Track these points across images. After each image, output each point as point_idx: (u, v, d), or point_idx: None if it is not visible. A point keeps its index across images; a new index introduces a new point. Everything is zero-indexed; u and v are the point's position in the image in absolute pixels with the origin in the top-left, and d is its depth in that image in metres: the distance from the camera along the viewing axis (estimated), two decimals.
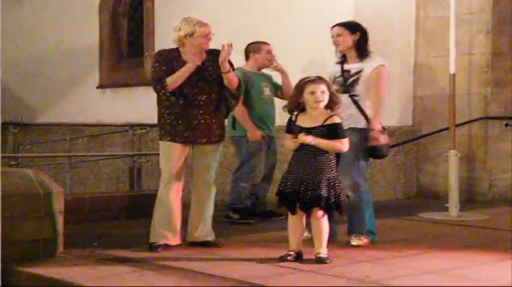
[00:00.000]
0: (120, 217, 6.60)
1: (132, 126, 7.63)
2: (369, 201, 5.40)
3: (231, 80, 5.22)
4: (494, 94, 8.25)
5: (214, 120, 5.24)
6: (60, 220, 4.92)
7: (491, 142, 8.26)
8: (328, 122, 4.70)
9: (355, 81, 5.33)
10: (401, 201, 8.33)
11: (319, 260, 4.66)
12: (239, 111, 6.33)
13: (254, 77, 6.65)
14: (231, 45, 5.13)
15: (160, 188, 5.26)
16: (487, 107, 8.23)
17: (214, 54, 5.25)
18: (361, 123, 5.31)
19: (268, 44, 6.76)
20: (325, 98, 4.67)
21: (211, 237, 5.33)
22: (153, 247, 5.16)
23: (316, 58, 7.98)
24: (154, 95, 10.39)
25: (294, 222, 4.78)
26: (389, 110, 7.26)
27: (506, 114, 8.34)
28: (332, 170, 4.71)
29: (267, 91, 6.70)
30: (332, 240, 5.14)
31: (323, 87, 4.68)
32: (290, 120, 4.82)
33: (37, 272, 4.48)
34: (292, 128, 4.78)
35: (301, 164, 4.70)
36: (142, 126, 7.58)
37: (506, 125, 8.30)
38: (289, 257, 4.70)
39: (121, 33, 11.31)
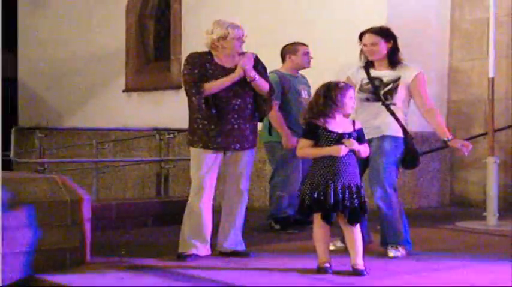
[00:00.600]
0: (148, 223, 6.43)
1: (159, 131, 7.44)
2: (402, 210, 5.16)
3: (260, 86, 5.06)
4: None
5: (248, 126, 5.05)
6: (87, 227, 4.75)
7: None
8: (358, 126, 4.57)
9: (394, 90, 5.11)
10: (436, 209, 8.08)
11: (357, 272, 4.44)
12: (274, 116, 6.12)
13: (291, 79, 6.40)
14: (252, 54, 5.05)
15: (191, 196, 5.07)
16: None
17: (247, 57, 5.09)
18: (396, 131, 5.10)
19: (305, 45, 6.49)
20: (351, 104, 4.57)
21: (241, 247, 5.14)
22: (182, 257, 4.98)
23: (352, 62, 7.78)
24: (181, 99, 10.24)
25: (325, 232, 4.57)
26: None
27: None
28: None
29: (304, 94, 6.41)
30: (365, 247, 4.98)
31: (352, 93, 4.60)
32: (315, 125, 4.54)
33: (59, 282, 4.32)
34: (316, 134, 4.53)
35: (339, 171, 4.50)
36: (169, 131, 7.39)
37: None
38: (328, 269, 4.49)
39: (148, 37, 11.19)
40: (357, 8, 8.08)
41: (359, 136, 4.57)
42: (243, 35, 5.04)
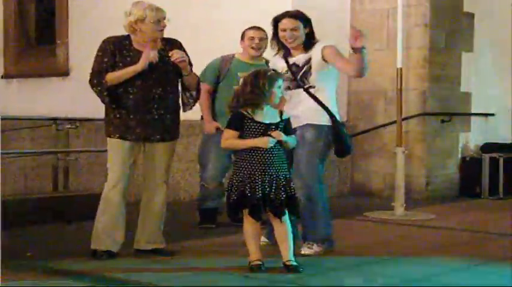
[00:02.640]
0: (47, 220, 5.90)
1: (56, 120, 6.89)
2: (326, 206, 4.91)
3: (192, 82, 4.77)
4: (431, 90, 8.09)
5: (169, 116, 4.70)
6: None
7: (429, 139, 8.10)
8: (285, 117, 4.35)
9: (307, 72, 4.81)
10: (338, 199, 8.02)
11: (293, 269, 4.22)
12: (201, 100, 5.63)
13: (236, 65, 5.90)
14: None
15: (107, 189, 4.68)
16: (424, 103, 8.06)
17: (171, 43, 4.75)
18: (321, 119, 4.77)
19: (253, 28, 5.96)
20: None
21: (162, 244, 4.80)
22: (97, 255, 4.61)
23: None
24: (68, 87, 9.74)
25: (256, 228, 4.32)
26: None
27: (443, 111, 8.21)
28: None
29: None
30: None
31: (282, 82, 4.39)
32: (241, 115, 4.29)
33: None
34: (241, 125, 4.28)
35: (266, 163, 4.25)
36: (71, 120, 6.86)
37: (443, 121, 8.18)
38: (261, 267, 4.24)
39: (28, 20, 10.46)
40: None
41: (286, 127, 4.34)
42: (163, 18, 4.67)
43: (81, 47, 9.52)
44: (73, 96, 9.29)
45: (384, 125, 8.04)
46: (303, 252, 4.72)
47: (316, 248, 4.76)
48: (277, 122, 4.30)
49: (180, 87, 4.82)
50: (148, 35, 4.64)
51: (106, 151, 4.78)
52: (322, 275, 4.25)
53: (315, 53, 4.80)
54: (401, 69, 6.85)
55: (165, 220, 4.83)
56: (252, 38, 5.89)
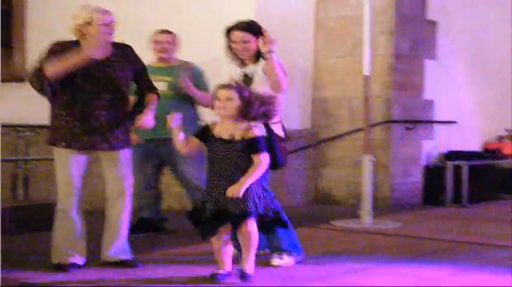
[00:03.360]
0: (6, 231, 5.67)
1: (16, 127, 6.66)
2: (283, 217, 4.71)
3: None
4: (395, 97, 8.09)
5: (117, 124, 4.54)
6: None
7: (393, 146, 8.09)
8: (247, 136, 4.16)
9: (250, 85, 4.67)
10: (303, 208, 7.95)
11: (242, 277, 4.13)
12: None
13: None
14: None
15: (60, 202, 4.56)
16: (389, 110, 8.05)
17: (121, 49, 4.63)
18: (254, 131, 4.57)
19: (162, 32, 5.84)
20: (230, 107, 4.13)
21: (127, 255, 4.65)
22: (62, 267, 4.46)
23: (215, 51, 7.47)
24: (26, 92, 9.34)
25: (218, 242, 4.21)
26: (288, 112, 6.82)
27: (407, 118, 8.21)
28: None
29: (160, 86, 5.46)
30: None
31: (229, 94, 4.15)
32: (207, 126, 4.28)
33: None
34: (204, 135, 4.23)
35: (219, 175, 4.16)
36: (30, 127, 6.64)
37: (407, 128, 8.18)
38: (217, 276, 4.16)
39: None
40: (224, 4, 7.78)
41: (249, 146, 4.14)
42: (111, 22, 4.52)
43: (39, 52, 9.29)
44: (30, 102, 9.06)
45: (348, 133, 8.00)
46: (273, 263, 4.63)
47: (287, 258, 4.67)
48: (235, 141, 4.14)
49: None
50: (96, 39, 4.49)
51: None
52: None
53: (259, 66, 4.73)
54: (368, 76, 6.81)
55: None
56: (159, 42, 5.82)
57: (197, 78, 5.94)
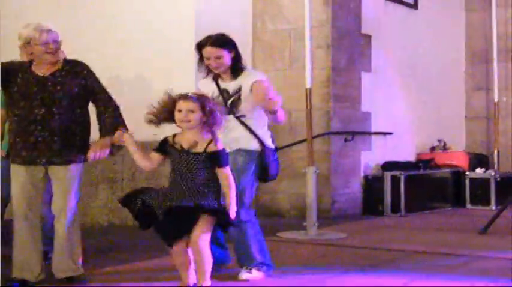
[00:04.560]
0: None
1: None
2: (257, 230, 4.85)
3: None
4: (334, 109, 8.20)
5: (56, 139, 4.47)
6: None
7: (333, 158, 8.19)
8: (210, 149, 4.13)
9: (237, 101, 4.76)
10: None
11: None
12: None
13: None
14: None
15: (14, 218, 4.55)
16: (328, 122, 8.15)
17: (71, 65, 4.61)
18: (252, 145, 4.74)
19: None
20: (193, 119, 4.09)
21: (75, 272, 4.57)
22: (12, 283, 4.45)
23: (158, 65, 7.44)
24: None
25: (178, 256, 4.15)
26: None
27: (346, 130, 8.34)
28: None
29: None
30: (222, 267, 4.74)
31: (191, 105, 4.10)
32: (166, 138, 4.23)
33: None
34: (164, 147, 4.19)
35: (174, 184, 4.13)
36: None
37: (346, 140, 8.30)
38: None
39: None
40: (164, 14, 7.72)
41: (211, 159, 4.09)
42: (53, 41, 4.49)
43: None
44: None
45: (289, 145, 8.05)
46: (242, 277, 4.63)
47: (255, 272, 4.67)
48: (197, 152, 4.10)
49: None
50: (38, 58, 4.51)
51: None
52: None
53: (245, 83, 4.75)
54: (310, 89, 6.88)
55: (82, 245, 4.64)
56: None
57: None
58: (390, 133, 8.95)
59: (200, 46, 4.81)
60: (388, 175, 8.38)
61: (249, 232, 4.74)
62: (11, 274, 4.50)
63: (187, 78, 6.95)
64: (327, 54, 8.16)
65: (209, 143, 4.11)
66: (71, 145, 4.54)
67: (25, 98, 4.47)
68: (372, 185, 8.47)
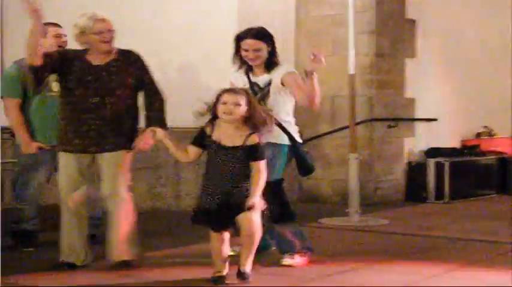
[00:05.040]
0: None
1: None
2: (292, 219, 4.84)
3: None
4: (377, 96, 8.16)
5: (107, 127, 4.54)
6: None
7: (376, 144, 8.16)
8: (249, 142, 4.13)
9: (266, 94, 4.77)
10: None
11: (242, 275, 4.16)
12: (12, 117, 5.25)
13: None
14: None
15: (61, 204, 4.64)
16: (371, 109, 8.12)
17: (125, 55, 4.66)
18: (280, 138, 4.72)
19: (57, 25, 5.37)
20: (238, 112, 4.11)
21: (127, 256, 4.62)
22: (59, 266, 4.55)
23: (203, 60, 7.49)
24: None
25: (217, 243, 4.21)
26: None
27: (389, 116, 8.29)
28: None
29: (57, 87, 5.02)
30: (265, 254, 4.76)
31: (239, 99, 4.12)
32: (203, 131, 4.24)
33: None
34: (202, 141, 4.22)
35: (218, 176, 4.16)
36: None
37: (389, 127, 8.26)
38: (216, 279, 4.17)
39: None
40: (207, 2, 7.76)
41: (249, 152, 4.11)
42: (108, 30, 4.54)
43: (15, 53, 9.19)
44: None
45: (331, 132, 8.05)
46: (284, 262, 4.66)
47: (297, 258, 4.70)
48: (237, 147, 4.12)
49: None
50: (92, 47, 4.58)
51: None
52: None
53: (276, 77, 4.76)
54: (353, 75, 6.86)
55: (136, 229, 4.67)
56: (59, 35, 5.40)
57: None
58: (435, 119, 8.87)
59: (239, 38, 4.83)
60: (432, 162, 8.32)
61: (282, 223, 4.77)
62: (59, 258, 4.60)
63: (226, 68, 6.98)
64: (371, 40, 8.11)
65: (247, 137, 4.13)
66: (121, 133, 4.60)
67: (80, 86, 4.54)
68: (415, 171, 8.42)
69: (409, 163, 8.50)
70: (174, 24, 7.70)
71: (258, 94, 4.75)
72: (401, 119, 8.42)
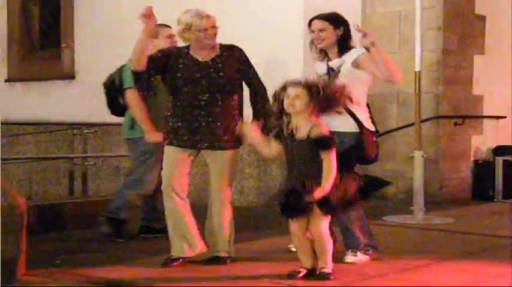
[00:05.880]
0: (67, 227, 5.81)
1: (72, 125, 6.79)
2: (361, 215, 4.82)
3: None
4: (444, 92, 8.07)
5: (219, 124, 4.58)
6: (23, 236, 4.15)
7: (442, 142, 8.07)
8: (313, 134, 4.14)
9: (336, 77, 4.70)
10: None
11: (321, 276, 4.18)
12: (136, 108, 5.48)
13: None
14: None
15: (164, 197, 4.69)
16: (438, 106, 8.03)
17: (229, 50, 4.68)
18: (339, 126, 4.62)
19: (168, 26, 5.59)
20: (298, 105, 4.14)
21: (226, 252, 4.67)
22: (167, 261, 4.61)
23: (271, 55, 7.53)
24: (72, 91, 9.45)
25: (297, 237, 4.26)
26: None
27: (456, 113, 8.18)
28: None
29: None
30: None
31: (297, 91, 4.15)
32: (280, 126, 4.31)
33: None
34: (279, 136, 4.29)
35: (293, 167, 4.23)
36: (88, 125, 6.76)
37: (456, 124, 8.15)
38: (299, 275, 4.20)
39: (33, 23, 10.35)
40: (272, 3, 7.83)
41: (316, 144, 4.13)
42: (212, 26, 4.57)
43: (87, 50, 9.45)
44: (79, 100, 9.21)
45: (397, 129, 8.00)
46: (347, 260, 4.68)
47: (360, 256, 4.71)
48: (302, 139, 4.16)
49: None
50: (196, 43, 4.60)
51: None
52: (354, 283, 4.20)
53: (348, 59, 4.72)
54: (419, 72, 6.81)
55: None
56: (171, 36, 5.56)
57: None
58: (504, 117, 8.70)
59: (309, 22, 4.86)
60: (500, 160, 8.17)
61: (352, 215, 4.77)
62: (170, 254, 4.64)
63: (294, 62, 7.02)
64: (438, 36, 8.01)
65: (312, 129, 4.15)
66: (231, 130, 4.62)
67: (189, 83, 4.57)
68: (482, 170, 8.29)
69: (476, 161, 8.37)
70: (240, 22, 7.77)
71: (333, 78, 4.67)
72: (468, 116, 8.29)
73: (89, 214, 5.90)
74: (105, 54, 8.50)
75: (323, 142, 4.14)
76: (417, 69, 6.81)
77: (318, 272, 4.21)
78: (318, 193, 4.07)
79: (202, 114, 4.57)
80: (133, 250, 5.14)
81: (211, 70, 4.60)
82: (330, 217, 4.23)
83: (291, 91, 4.18)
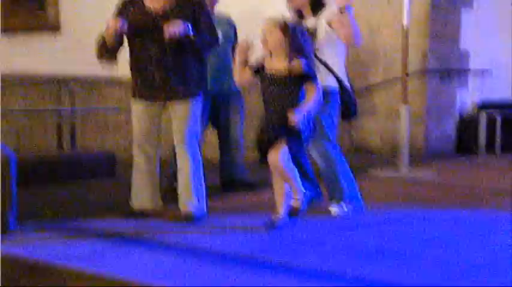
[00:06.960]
0: (54, 180, 5.84)
1: (58, 79, 6.77)
2: (345, 167, 4.91)
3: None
4: (431, 47, 8.08)
5: (172, 77, 4.54)
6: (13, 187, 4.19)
7: (428, 96, 8.12)
8: (295, 68, 4.22)
9: (313, 37, 4.72)
10: None
11: (293, 212, 4.31)
12: None
13: None
14: None
15: (133, 150, 4.72)
16: (423, 60, 8.06)
17: (188, 0, 4.60)
18: (329, 82, 4.74)
19: None
20: (271, 40, 4.23)
21: (194, 208, 4.64)
22: (132, 212, 4.67)
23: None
24: (58, 43, 9.37)
25: (275, 180, 4.35)
26: None
27: (443, 68, 8.22)
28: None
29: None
30: (314, 203, 4.83)
31: (270, 28, 4.25)
32: (261, 62, 4.38)
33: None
34: (257, 69, 4.37)
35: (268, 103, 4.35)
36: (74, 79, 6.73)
37: (441, 78, 8.19)
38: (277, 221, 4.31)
39: None
40: None
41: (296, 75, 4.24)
42: None
43: (73, 2, 9.35)
44: (64, 53, 9.14)
45: (383, 83, 8.03)
46: (332, 212, 4.77)
47: (344, 207, 4.80)
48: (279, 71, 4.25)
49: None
50: None
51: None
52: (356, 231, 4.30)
53: (322, 18, 4.76)
54: (407, 26, 6.81)
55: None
56: None
57: (235, 32, 5.95)
58: (487, 69, 8.72)
59: None
60: (483, 114, 8.24)
61: (338, 168, 4.84)
62: (132, 203, 4.70)
63: None
64: None
65: (293, 65, 4.21)
66: (188, 81, 4.59)
67: (138, 37, 4.51)
68: (467, 124, 8.36)
69: (461, 116, 8.44)
70: None
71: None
72: (453, 69, 8.33)
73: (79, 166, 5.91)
74: (91, 5, 8.42)
75: (308, 72, 4.23)
76: (405, 23, 6.81)
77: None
78: (299, 114, 4.15)
79: (155, 67, 4.52)
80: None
81: (160, 21, 4.48)
82: (286, 147, 4.24)
83: (266, 27, 4.27)
